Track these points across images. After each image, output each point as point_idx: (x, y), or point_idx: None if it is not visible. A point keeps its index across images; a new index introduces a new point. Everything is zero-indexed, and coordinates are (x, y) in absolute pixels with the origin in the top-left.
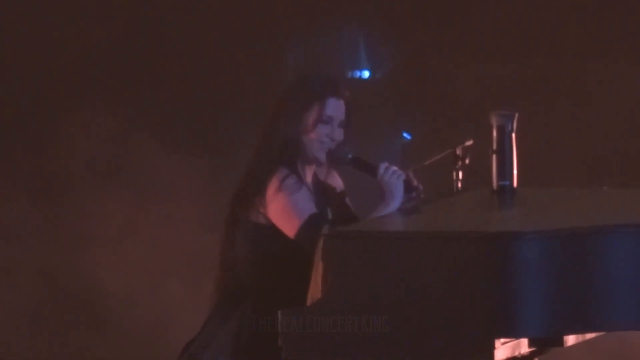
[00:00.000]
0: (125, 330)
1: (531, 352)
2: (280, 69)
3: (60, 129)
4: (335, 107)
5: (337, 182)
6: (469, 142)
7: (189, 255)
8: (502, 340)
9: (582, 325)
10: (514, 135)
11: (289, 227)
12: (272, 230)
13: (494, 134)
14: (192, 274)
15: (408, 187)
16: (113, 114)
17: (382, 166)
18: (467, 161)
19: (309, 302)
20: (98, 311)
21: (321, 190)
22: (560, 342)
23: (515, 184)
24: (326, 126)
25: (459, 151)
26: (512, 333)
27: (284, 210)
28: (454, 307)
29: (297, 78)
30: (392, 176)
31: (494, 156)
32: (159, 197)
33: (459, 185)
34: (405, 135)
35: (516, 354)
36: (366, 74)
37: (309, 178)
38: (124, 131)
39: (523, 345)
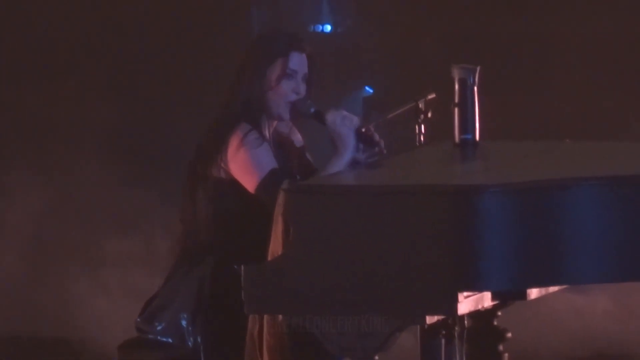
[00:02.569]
0: None
1: (494, 305)
2: (244, 27)
3: None
4: (299, 62)
5: (297, 137)
6: (432, 96)
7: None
8: (466, 293)
9: (545, 278)
10: (475, 88)
11: (249, 182)
12: (233, 185)
13: (456, 87)
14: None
15: (370, 141)
16: None
17: (331, 114)
18: (429, 115)
19: (269, 257)
20: None
21: (281, 145)
22: (524, 296)
23: (477, 137)
24: (290, 81)
25: (421, 105)
26: (476, 287)
27: (244, 165)
28: (417, 262)
29: (260, 35)
30: (342, 124)
31: (456, 109)
32: None
33: (422, 139)
34: (367, 89)
35: (479, 307)
36: (328, 28)
37: (269, 133)
38: None
39: (486, 299)
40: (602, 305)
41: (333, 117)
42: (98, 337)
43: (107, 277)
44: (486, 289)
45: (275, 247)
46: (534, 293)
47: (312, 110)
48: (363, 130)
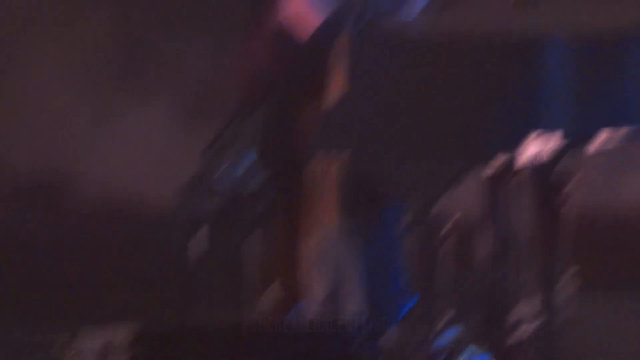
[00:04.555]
0: None
1: (561, 148)
2: None
3: None
4: None
5: None
6: None
7: None
8: (532, 135)
9: (611, 120)
10: None
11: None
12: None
13: None
14: None
15: None
16: None
17: None
18: None
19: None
20: None
21: None
22: (588, 141)
23: None
24: None
25: None
26: (543, 128)
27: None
28: (484, 104)
29: None
30: None
31: None
32: None
33: None
34: None
35: (545, 149)
36: None
37: None
38: None
39: (553, 141)
40: None
41: None
42: None
43: None
44: (552, 131)
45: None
46: (601, 137)
47: None
48: None
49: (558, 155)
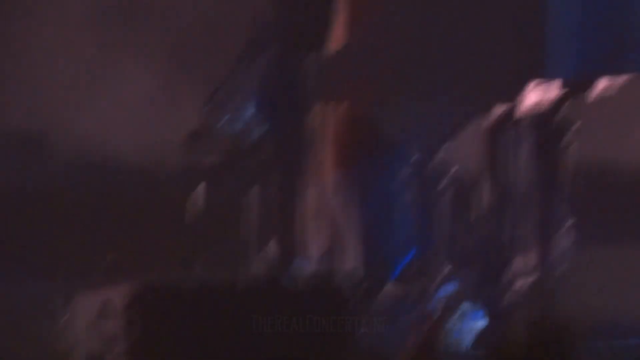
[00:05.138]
0: None
1: (562, 95)
2: None
3: None
4: None
5: None
6: None
7: None
8: (533, 83)
9: (612, 67)
10: None
11: None
12: None
13: None
14: None
15: None
16: None
17: None
18: None
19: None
20: None
21: None
22: (590, 86)
23: None
24: None
25: None
26: (544, 75)
27: None
28: (487, 49)
29: None
30: None
31: None
32: None
33: None
34: None
35: (547, 97)
36: None
37: None
38: None
39: (554, 89)
40: None
41: None
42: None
43: None
44: (554, 78)
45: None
46: (600, 84)
47: None
48: None
49: (558, 104)
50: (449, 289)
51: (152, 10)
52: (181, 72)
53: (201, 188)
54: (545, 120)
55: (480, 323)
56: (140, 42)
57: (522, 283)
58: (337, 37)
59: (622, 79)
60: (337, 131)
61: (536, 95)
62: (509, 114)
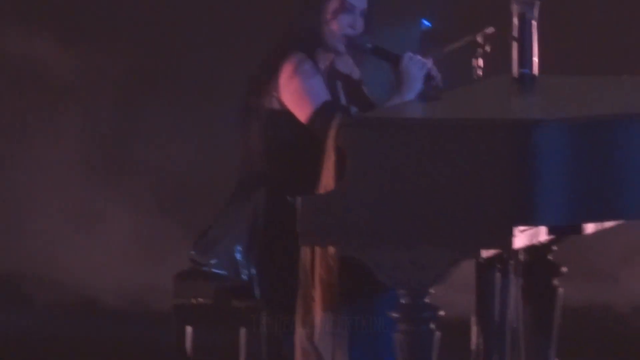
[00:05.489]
0: None
1: (549, 240)
2: None
3: None
4: None
5: (355, 71)
6: (490, 30)
7: None
8: (521, 228)
9: (601, 213)
10: (534, 22)
11: (302, 112)
12: (286, 115)
13: (515, 21)
14: None
15: (427, 76)
16: None
17: (407, 56)
18: (487, 49)
19: (321, 190)
20: None
21: (336, 78)
22: (579, 230)
23: (535, 71)
24: (348, 15)
25: (479, 39)
26: (531, 221)
27: (297, 94)
28: (473, 195)
29: None
30: (415, 67)
31: (514, 43)
32: None
33: (480, 73)
34: (424, 22)
35: (534, 241)
36: None
37: (325, 67)
38: None
39: (542, 233)
40: None
41: (408, 58)
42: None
43: None
44: (542, 224)
45: (327, 179)
46: (589, 228)
47: (370, 45)
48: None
49: (547, 248)
50: None
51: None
52: (169, 215)
53: (189, 331)
54: (534, 263)
55: None
56: (128, 183)
57: None
58: (327, 182)
59: (608, 224)
60: (326, 273)
61: (524, 240)
62: (498, 258)
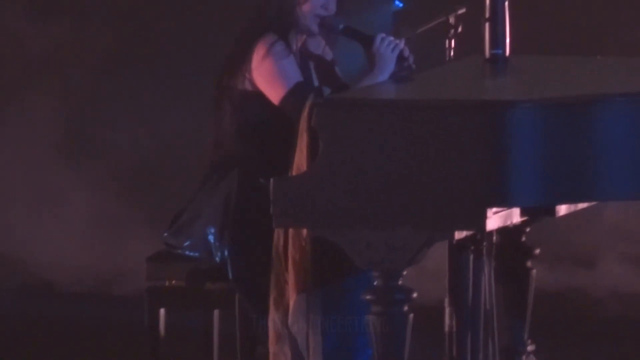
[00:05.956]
0: None
1: (523, 222)
2: None
3: None
4: None
5: (327, 52)
6: (462, 10)
7: None
8: (494, 209)
9: (574, 194)
10: (506, 3)
11: (274, 94)
12: (258, 97)
13: (487, 1)
14: None
15: (400, 57)
16: None
17: (379, 37)
18: (459, 29)
19: (294, 171)
20: None
21: (309, 59)
22: (552, 212)
23: (507, 52)
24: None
25: (451, 19)
26: (505, 202)
27: (270, 75)
28: (446, 176)
29: None
30: (387, 48)
31: (487, 24)
32: None
33: (451, 54)
34: (396, 2)
35: (508, 223)
36: None
37: (297, 48)
38: None
39: (515, 215)
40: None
41: (380, 39)
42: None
43: None
44: (515, 205)
45: (300, 161)
46: (562, 210)
47: (342, 26)
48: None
49: (520, 230)
50: None
51: (107, 136)
52: (133, 198)
53: (162, 313)
54: (508, 245)
55: None
56: (92, 165)
57: None
58: (299, 163)
59: (581, 205)
60: (299, 255)
61: (497, 222)
62: (471, 239)
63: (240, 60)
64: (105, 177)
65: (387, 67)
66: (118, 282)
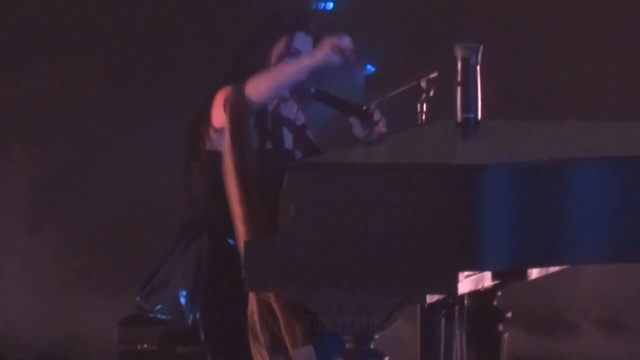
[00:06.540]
0: None
1: (494, 285)
2: (242, 8)
3: None
4: (303, 42)
5: (299, 116)
6: (434, 74)
7: None
8: (466, 273)
9: (545, 258)
10: (478, 67)
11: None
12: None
13: (459, 65)
14: None
15: (370, 120)
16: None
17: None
18: (431, 93)
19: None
20: None
21: (281, 122)
22: (524, 276)
23: (479, 116)
24: (293, 60)
25: (423, 83)
26: (476, 266)
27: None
28: (418, 240)
29: (269, 12)
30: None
31: (458, 88)
32: None
33: (423, 117)
34: (369, 67)
35: (479, 287)
36: (330, 5)
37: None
38: None
39: (486, 279)
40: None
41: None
42: None
43: None
44: (486, 269)
45: (233, 197)
46: (534, 273)
47: (313, 90)
48: (364, 108)
49: (492, 293)
50: None
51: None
52: (113, 260)
53: None
54: (479, 309)
55: None
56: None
57: None
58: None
59: (553, 269)
60: (272, 318)
61: (469, 285)
62: (443, 303)
63: (206, 121)
64: (71, 240)
65: (319, 50)
66: (87, 347)
